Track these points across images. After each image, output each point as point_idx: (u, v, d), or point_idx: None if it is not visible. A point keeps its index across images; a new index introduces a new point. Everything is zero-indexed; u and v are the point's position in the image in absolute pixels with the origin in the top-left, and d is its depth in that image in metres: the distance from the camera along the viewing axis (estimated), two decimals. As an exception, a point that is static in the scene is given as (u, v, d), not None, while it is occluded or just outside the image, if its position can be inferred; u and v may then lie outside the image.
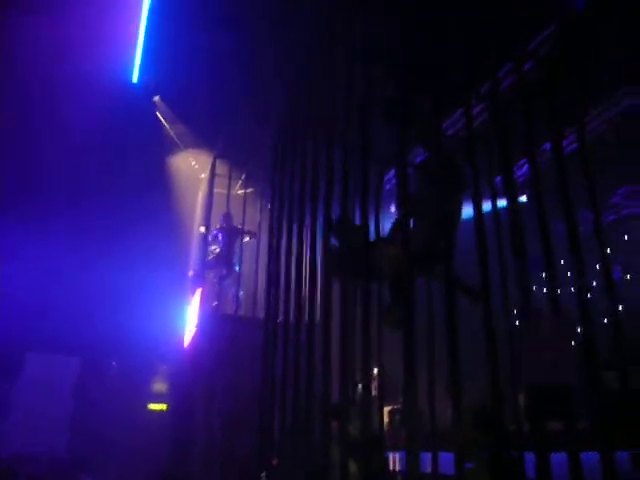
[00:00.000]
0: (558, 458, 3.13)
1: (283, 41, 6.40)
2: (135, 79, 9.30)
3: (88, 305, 11.62)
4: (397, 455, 6.20)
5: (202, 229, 10.41)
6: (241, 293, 9.66)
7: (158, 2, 8.12)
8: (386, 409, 7.26)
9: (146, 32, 8.52)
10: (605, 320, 3.71)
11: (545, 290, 3.58)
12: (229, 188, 9.85)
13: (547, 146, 4.32)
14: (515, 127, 4.12)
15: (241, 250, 9.93)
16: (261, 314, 8.64)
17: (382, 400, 5.10)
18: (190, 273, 10.67)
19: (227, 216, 10.16)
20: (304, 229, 5.71)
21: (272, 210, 7.02)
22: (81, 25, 8.47)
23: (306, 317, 5.52)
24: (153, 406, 13.28)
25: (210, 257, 10.19)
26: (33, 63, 9.04)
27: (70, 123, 9.42)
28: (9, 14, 8.66)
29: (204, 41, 7.52)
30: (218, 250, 10.28)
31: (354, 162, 4.85)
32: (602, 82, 6.48)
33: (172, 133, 10.65)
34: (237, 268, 9.90)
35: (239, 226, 9.91)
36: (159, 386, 13.48)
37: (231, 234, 10.19)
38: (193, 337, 8.95)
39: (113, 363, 12.68)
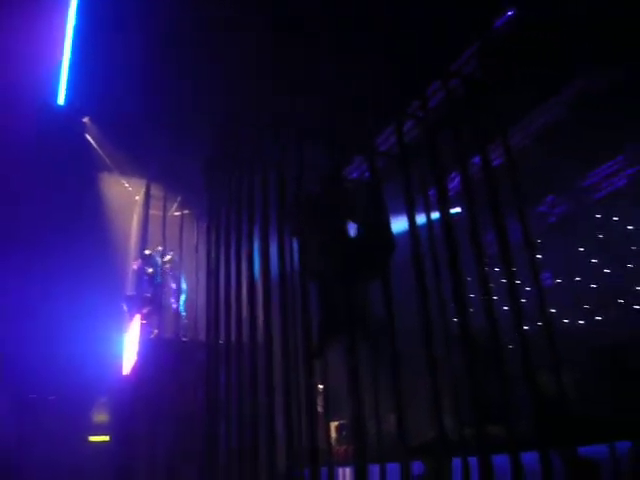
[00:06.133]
0: (500, 460, 3.31)
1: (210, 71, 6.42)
2: (61, 101, 8.83)
3: (17, 338, 10.99)
4: (347, 469, 6.27)
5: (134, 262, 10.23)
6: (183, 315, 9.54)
7: (85, 19, 7.73)
8: (333, 424, 7.33)
9: (72, 50, 8.02)
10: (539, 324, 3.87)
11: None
12: (164, 210, 9.70)
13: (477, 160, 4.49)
14: (445, 142, 4.30)
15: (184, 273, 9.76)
16: (203, 337, 8.50)
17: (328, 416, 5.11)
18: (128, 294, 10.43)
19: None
20: (241, 251, 5.69)
21: (209, 233, 6.94)
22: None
23: (248, 338, 5.47)
24: (94, 438, 12.79)
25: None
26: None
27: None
28: None
29: (134, 64, 7.38)
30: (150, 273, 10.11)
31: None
32: (529, 94, 6.82)
33: (104, 156, 10.38)
34: (173, 285, 9.81)
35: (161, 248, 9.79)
36: (100, 417, 13.01)
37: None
38: (134, 365, 8.69)
39: (50, 398, 12.09)
